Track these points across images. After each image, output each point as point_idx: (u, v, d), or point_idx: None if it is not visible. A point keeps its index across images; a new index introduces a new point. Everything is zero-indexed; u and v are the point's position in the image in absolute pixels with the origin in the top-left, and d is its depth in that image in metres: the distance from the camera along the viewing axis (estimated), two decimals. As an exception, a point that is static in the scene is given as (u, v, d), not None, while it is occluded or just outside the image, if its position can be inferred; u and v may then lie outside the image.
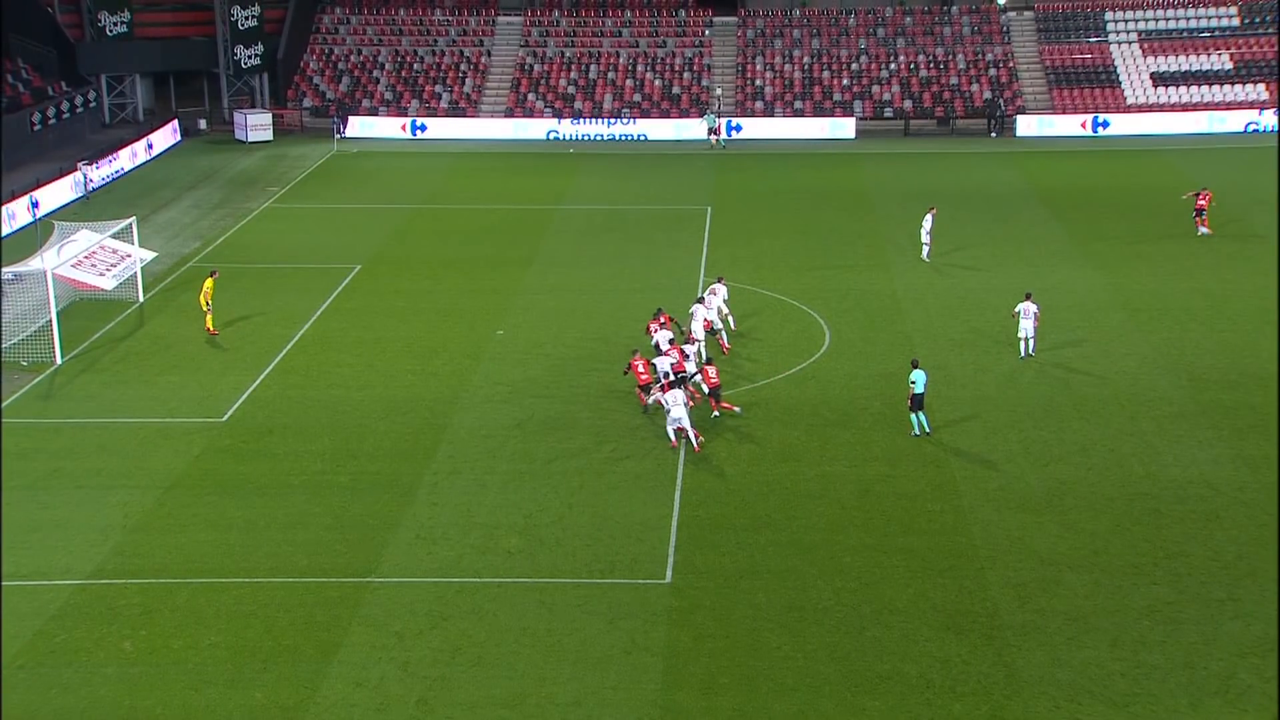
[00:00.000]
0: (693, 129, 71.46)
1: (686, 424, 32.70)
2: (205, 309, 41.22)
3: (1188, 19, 76.93)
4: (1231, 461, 31.97)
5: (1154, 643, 24.58)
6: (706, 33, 78.83)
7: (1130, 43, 76.19)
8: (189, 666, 24.23)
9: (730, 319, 40.18)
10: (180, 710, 23.06)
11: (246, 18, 75.11)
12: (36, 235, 47.83)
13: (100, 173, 61.21)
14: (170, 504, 30.52)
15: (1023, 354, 38.25)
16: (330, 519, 29.70)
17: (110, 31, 74.13)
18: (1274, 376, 36.56)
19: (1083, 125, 71.59)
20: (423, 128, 73.45)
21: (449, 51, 78.58)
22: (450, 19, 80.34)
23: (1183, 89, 73.44)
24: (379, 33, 79.74)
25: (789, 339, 40.60)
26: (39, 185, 56.56)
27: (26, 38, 71.68)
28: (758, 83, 75.76)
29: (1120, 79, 74.41)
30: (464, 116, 74.28)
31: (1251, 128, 70.34)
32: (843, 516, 29.64)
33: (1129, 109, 72.70)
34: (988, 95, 73.81)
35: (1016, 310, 38.33)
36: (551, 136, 72.68)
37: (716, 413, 34.38)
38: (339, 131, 72.27)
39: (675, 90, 75.48)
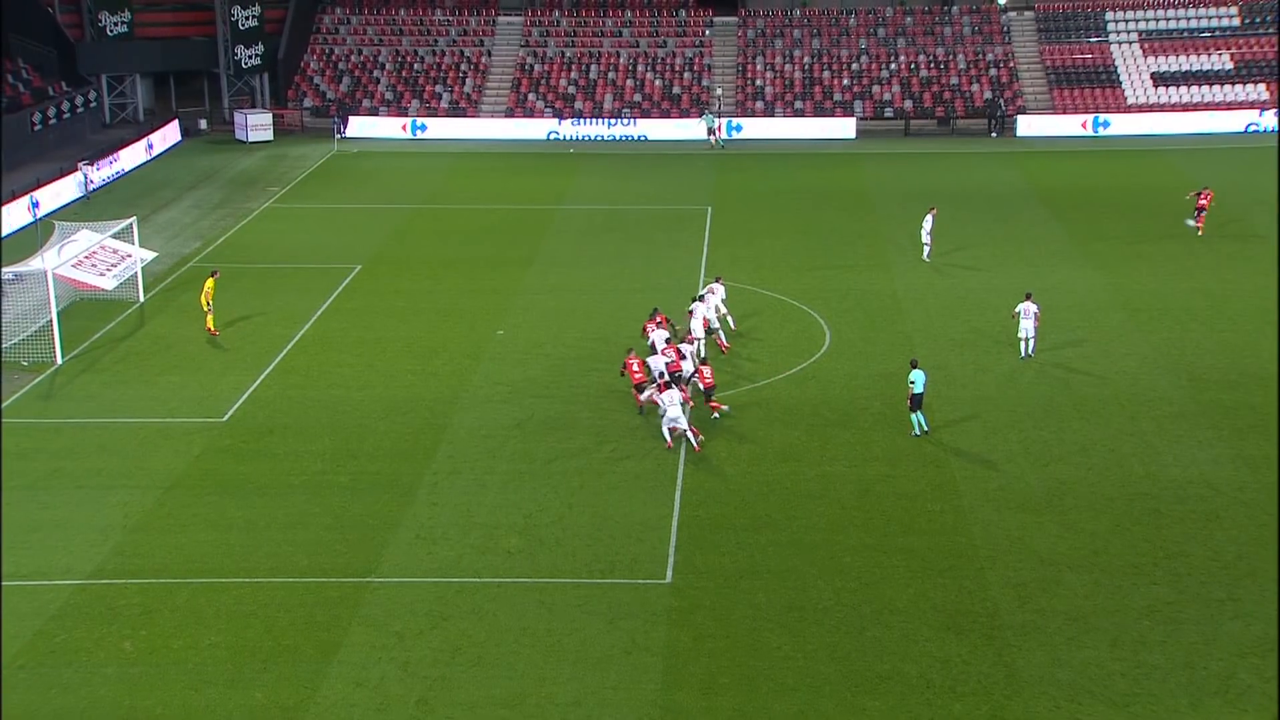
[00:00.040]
0: (693, 129, 71.46)
1: (683, 424, 32.69)
2: (206, 309, 41.21)
3: (1188, 19, 76.92)
4: (1231, 461, 31.97)
5: (1154, 643, 24.58)
6: (707, 33, 78.83)
7: (1131, 43, 76.18)
8: (189, 666, 24.24)
9: (729, 319, 40.19)
10: (180, 710, 23.06)
11: (247, 18, 75.12)
12: (37, 235, 47.84)
13: (101, 173, 61.21)
14: (170, 504, 30.53)
15: (1023, 354, 38.24)
16: (330, 519, 29.71)
17: (110, 31, 74.13)
18: (1274, 376, 36.55)
19: (1083, 125, 71.56)
20: (423, 128, 73.46)
21: (449, 51, 78.58)
22: (450, 19, 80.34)
23: (1183, 89, 73.43)
24: (379, 33, 79.75)
25: (789, 339, 40.60)
26: (39, 185, 56.57)
27: (27, 38, 71.67)
28: (758, 83, 75.75)
29: (1121, 79, 74.40)
30: (464, 116, 74.28)
31: (1251, 128, 70.31)
32: (843, 516, 29.64)
33: (1129, 109, 72.69)
34: (988, 95, 73.81)
35: (1017, 310, 38.33)
36: (552, 137, 72.68)
37: (717, 414, 34.38)
38: (339, 131, 72.27)
39: (676, 90, 75.48)
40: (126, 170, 64.14)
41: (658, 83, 75.91)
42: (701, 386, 34.57)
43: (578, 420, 34.74)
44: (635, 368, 34.96)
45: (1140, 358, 38.67)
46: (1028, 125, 71.78)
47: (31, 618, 25.75)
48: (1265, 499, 30.00)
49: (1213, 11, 76.91)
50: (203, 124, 75.01)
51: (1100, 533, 28.70)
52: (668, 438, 32.78)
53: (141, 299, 44.78)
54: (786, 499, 30.46)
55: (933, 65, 76.10)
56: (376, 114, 74.49)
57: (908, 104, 74.19)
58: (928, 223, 47.85)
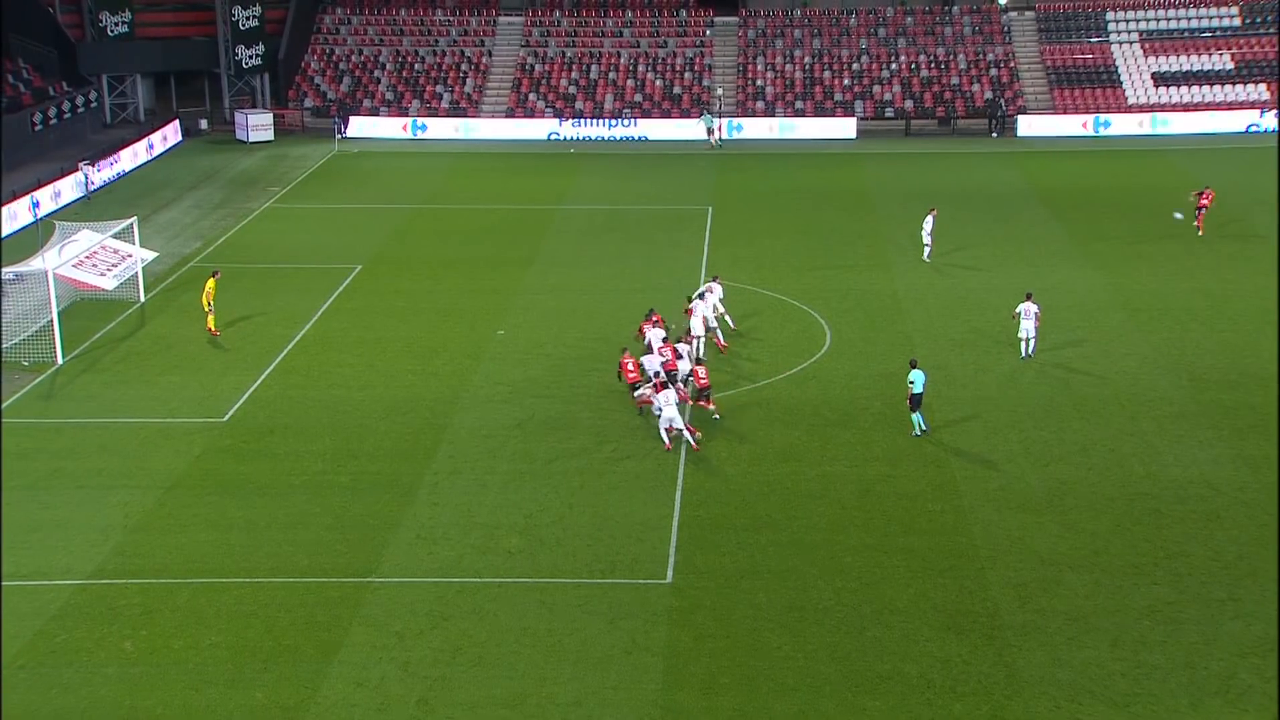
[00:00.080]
0: (694, 129, 71.46)
1: (680, 423, 32.67)
2: (207, 309, 41.22)
3: (1189, 19, 76.91)
4: (1232, 461, 31.97)
5: (1154, 643, 24.58)
6: (707, 33, 78.83)
7: (1131, 43, 76.18)
8: (190, 666, 24.24)
9: (728, 318, 40.19)
10: (181, 710, 23.06)
11: (247, 18, 75.13)
12: (38, 235, 47.84)
13: (103, 175, 61.20)
14: (171, 504, 30.53)
15: (1023, 354, 38.23)
16: (331, 519, 29.71)
17: (111, 31, 74.14)
18: (1274, 377, 36.53)
19: (1084, 125, 71.54)
20: (423, 128, 73.47)
21: (450, 52, 78.59)
22: (451, 19, 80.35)
23: (1184, 89, 73.42)
24: (380, 33, 79.75)
25: (790, 339, 40.60)
26: (40, 185, 56.60)
27: (27, 38, 71.69)
28: (759, 83, 75.75)
29: (1121, 79, 74.39)
30: (465, 116, 74.30)
31: (1252, 129, 70.27)
32: (843, 516, 29.64)
33: (1130, 109, 72.68)
34: (989, 95, 73.80)
35: (1017, 311, 38.30)
36: (552, 137, 72.68)
37: (718, 415, 34.36)
38: (340, 132, 72.29)
39: (676, 90, 75.48)
40: (127, 170, 64.15)
41: (658, 83, 75.91)
42: (697, 386, 34.53)
43: (578, 420, 34.74)
44: (630, 368, 34.96)
45: (1141, 358, 38.67)
46: (1028, 125, 71.77)
47: (32, 618, 25.76)
48: (1266, 499, 30.00)
49: (1213, 11, 76.91)
50: (203, 124, 75.03)
51: (1101, 533, 28.70)
52: (665, 439, 32.75)
53: (142, 299, 44.80)
54: (787, 499, 30.46)
55: (933, 65, 76.10)
56: (377, 114, 74.49)
57: (908, 104, 74.19)
58: (928, 223, 47.84)
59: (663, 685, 23.54)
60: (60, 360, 39.18)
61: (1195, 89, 73.30)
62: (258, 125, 71.94)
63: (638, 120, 72.99)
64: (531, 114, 74.34)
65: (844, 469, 31.90)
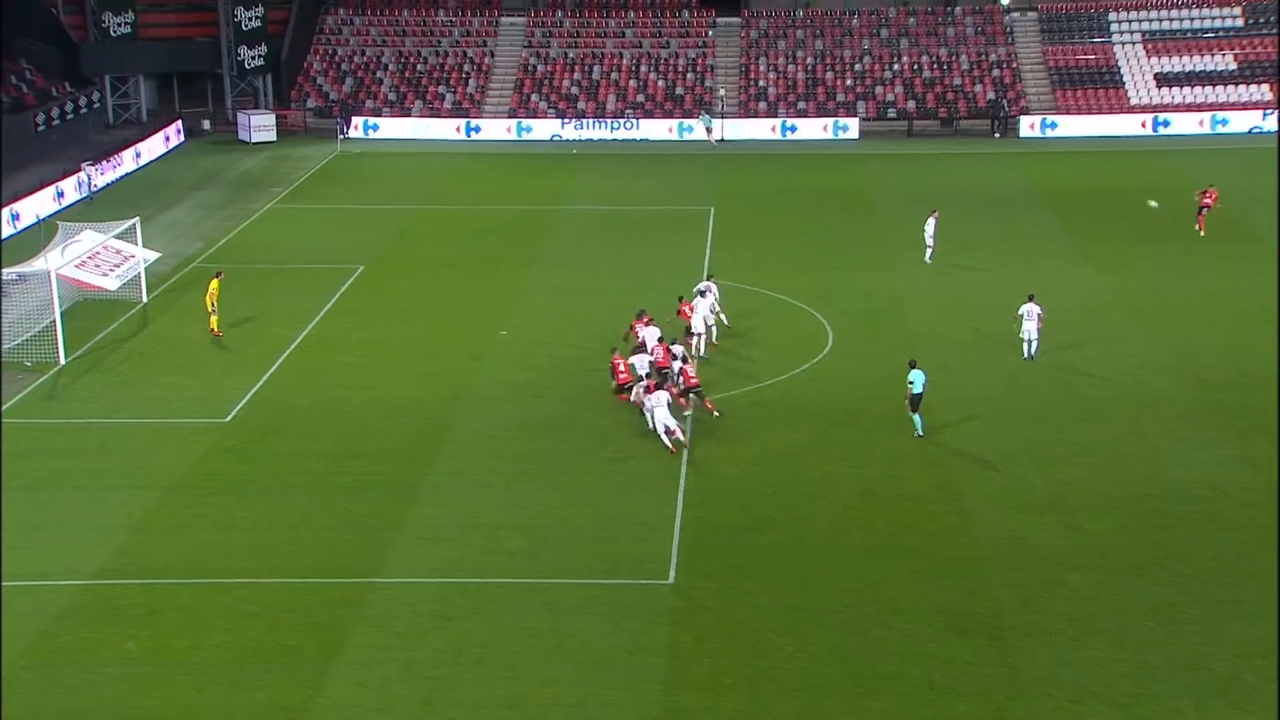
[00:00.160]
0: (696, 129, 71.45)
1: (672, 423, 32.63)
2: (210, 310, 41.22)
3: (1192, 19, 76.88)
4: (1235, 462, 31.93)
5: (1158, 643, 24.55)
6: (710, 33, 78.83)
7: (1134, 43, 76.15)
8: (192, 667, 24.22)
9: (723, 316, 40.16)
10: (183, 710, 23.05)
11: (250, 18, 75.17)
12: (40, 236, 47.86)
13: (105, 177, 61.20)
14: (174, 504, 30.53)
15: (1025, 355, 38.19)
16: (333, 519, 29.71)
17: (114, 32, 74.16)
18: (1275, 377, 36.47)
19: (1086, 126, 71.49)
20: (426, 128, 73.46)
21: (452, 52, 78.61)
22: (454, 19, 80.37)
23: (1187, 89, 73.38)
24: (382, 33, 79.78)
25: (792, 340, 40.58)
26: (42, 186, 56.63)
27: (30, 38, 71.71)
28: (761, 83, 75.75)
29: (1124, 79, 74.37)
30: (467, 117, 74.29)
31: (1255, 131, 70.14)
32: (846, 517, 29.62)
33: (1133, 109, 72.64)
34: (991, 96, 73.79)
35: (1020, 312, 38.22)
36: (554, 138, 72.68)
37: (717, 413, 34.32)
38: (342, 132, 72.32)
39: (679, 91, 75.48)
40: (129, 171, 64.18)
41: (660, 83, 75.92)
42: (685, 384, 34.41)
43: (580, 420, 34.73)
44: (621, 368, 34.92)
45: (1143, 358, 38.65)
46: (1030, 126, 71.75)
47: (35, 618, 25.74)
48: (1269, 500, 29.95)
49: (1216, 12, 76.87)
50: (206, 125, 75.05)
51: (1104, 533, 28.67)
52: (667, 442, 32.63)
53: (145, 299, 44.81)
54: (789, 500, 30.44)
55: (936, 66, 76.08)
56: (379, 114, 74.51)
57: (911, 105, 74.18)
58: (930, 225, 47.79)
59: (665, 686, 23.52)
60: (63, 361, 39.19)
61: (1198, 89, 73.25)
62: (260, 126, 71.99)
63: (640, 121, 72.98)
64: (534, 114, 74.35)
65: (846, 470, 31.88)
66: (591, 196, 60.11)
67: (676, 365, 34.97)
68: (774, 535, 28.79)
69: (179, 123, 72.44)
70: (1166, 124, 71.07)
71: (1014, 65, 75.92)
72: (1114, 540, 28.39)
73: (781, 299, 44.40)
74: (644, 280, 46.15)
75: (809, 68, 76.53)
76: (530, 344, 40.51)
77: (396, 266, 49.05)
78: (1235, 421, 34.14)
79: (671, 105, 74.69)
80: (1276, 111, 70.45)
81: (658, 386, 33.32)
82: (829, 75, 75.94)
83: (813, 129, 72.42)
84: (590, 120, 73.21)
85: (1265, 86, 72.56)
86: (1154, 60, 75.02)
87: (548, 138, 72.62)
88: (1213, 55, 74.76)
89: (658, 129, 72.61)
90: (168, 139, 69.96)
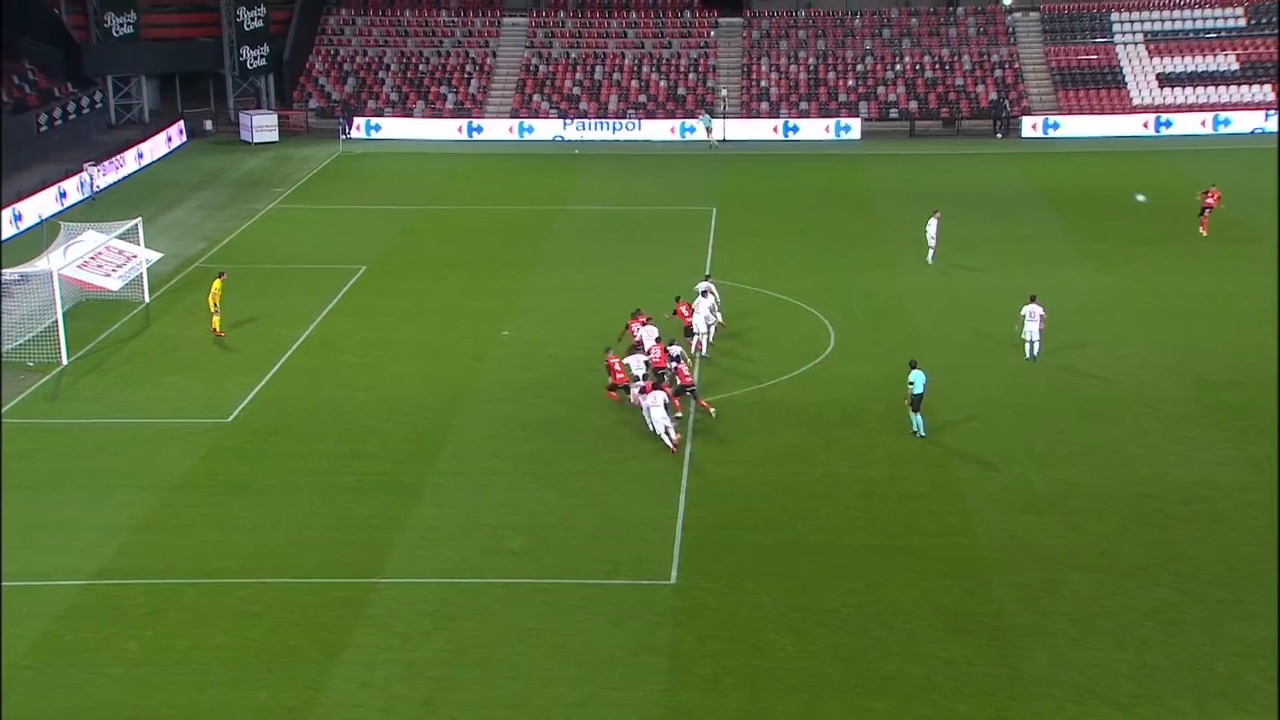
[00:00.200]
0: (697, 130, 71.48)
1: (668, 423, 32.63)
2: (213, 310, 41.25)
3: (1194, 20, 76.82)
4: (1237, 462, 31.93)
5: (1159, 644, 24.56)
6: (712, 34, 78.83)
7: (1136, 43, 76.12)
8: (194, 667, 24.25)
9: (719, 316, 40.10)
10: (185, 710, 23.07)
11: (252, 19, 75.21)
12: (42, 236, 47.90)
13: (107, 177, 61.24)
14: (176, 504, 30.56)
15: (1028, 356, 38.18)
16: (335, 520, 29.73)
17: (116, 33, 74.23)
18: (1276, 378, 36.46)
19: (1088, 126, 71.48)
20: (428, 129, 73.47)
21: (454, 53, 78.64)
22: (455, 20, 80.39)
23: (1189, 90, 73.35)
24: (384, 34, 79.81)
25: (794, 340, 40.59)
26: (45, 186, 56.68)
27: (33, 39, 71.77)
28: (763, 84, 75.76)
29: (1126, 80, 74.34)
30: (469, 117, 74.32)
31: (1257, 131, 70.07)
32: (847, 517, 29.64)
33: (1135, 110, 72.62)
34: (993, 96, 73.77)
35: (1022, 313, 38.19)
36: (556, 138, 72.70)
37: (714, 412, 34.28)
38: (344, 132, 72.35)
39: (680, 91, 75.48)
40: (132, 171, 64.23)
41: (662, 84, 75.92)
42: (680, 383, 34.40)
43: (582, 421, 34.75)
44: (617, 368, 34.93)
45: (1144, 359, 38.65)
46: (1032, 126, 71.76)
47: (37, 618, 25.77)
48: (1270, 500, 29.94)
49: (1218, 12, 76.81)
50: (208, 125, 75.10)
51: (1105, 534, 28.68)
52: (668, 442, 32.65)
53: (147, 300, 44.84)
54: (791, 500, 30.46)
55: (938, 66, 76.07)
56: (381, 115, 74.53)
57: (913, 105, 74.18)
58: (932, 225, 47.78)
59: (666, 686, 23.54)
60: (65, 361, 39.23)
61: (1200, 90, 73.22)
62: (262, 126, 72.01)
63: (642, 121, 72.99)
64: (536, 115, 74.37)
65: (848, 470, 31.89)
66: (593, 197, 60.13)
67: (673, 366, 34.96)
68: (775, 535, 28.81)
69: (181, 123, 72.46)
70: (1169, 124, 71.06)
71: (1016, 65, 75.90)
72: (1115, 540, 28.40)
73: (783, 299, 44.42)
74: (646, 281, 46.13)
75: (811, 68, 76.53)
76: (532, 344, 40.54)
77: (398, 267, 49.08)
78: (1236, 422, 34.14)
79: (674, 105, 74.68)
80: (1277, 112, 70.38)
81: (655, 386, 33.32)
82: (831, 75, 75.94)
83: (815, 129, 72.42)
84: (592, 121, 73.21)
85: (1268, 87, 72.48)
86: (1156, 60, 74.99)
87: (550, 138, 72.62)
88: (1215, 55, 74.72)
89: (660, 129, 72.62)
90: (170, 139, 70.01)
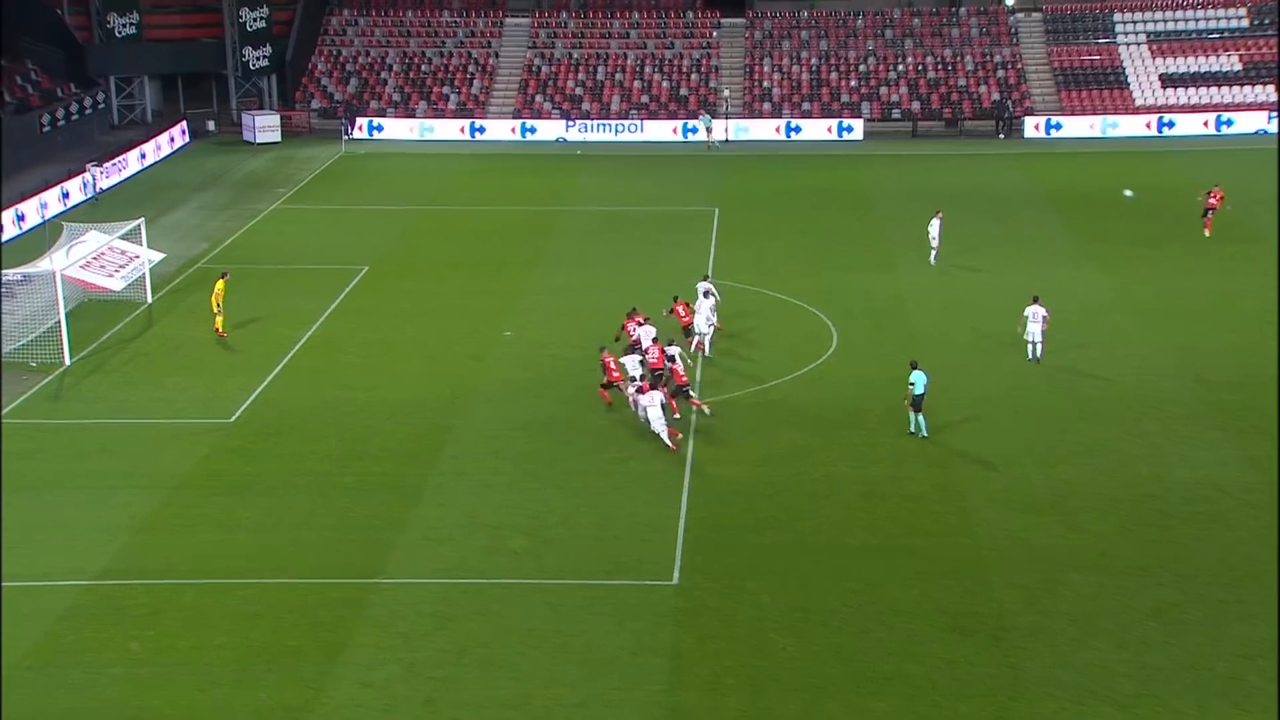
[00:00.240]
0: (700, 130, 71.47)
1: (662, 424, 32.62)
2: (216, 310, 41.28)
3: (1197, 20, 76.80)
4: (1238, 463, 31.92)
5: (1160, 644, 24.56)
6: (714, 34, 78.85)
7: (1139, 44, 76.09)
8: (196, 667, 24.28)
9: (715, 316, 40.11)
10: (187, 711, 23.10)
11: (255, 19, 75.27)
12: (45, 236, 47.96)
13: (110, 178, 61.28)
14: (177, 504, 30.60)
15: (1030, 357, 38.16)
16: (336, 520, 29.76)
17: (119, 33, 74.31)
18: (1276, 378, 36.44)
19: (1091, 127, 71.49)
20: (430, 129, 73.56)
21: (457, 53, 78.68)
22: (458, 20, 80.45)
23: (1192, 90, 73.32)
24: (387, 34, 79.86)
25: (796, 341, 40.60)
26: (47, 186, 56.75)
27: (36, 39, 71.84)
28: (765, 84, 75.77)
29: (1129, 80, 74.31)
30: (471, 118, 74.36)
31: (1260, 132, 70.00)
32: (848, 518, 29.65)
33: (1137, 110, 72.59)
34: (996, 96, 73.76)
35: (1025, 314, 38.17)
36: (559, 140, 72.71)
37: (709, 410, 34.26)
38: (347, 133, 72.40)
39: (683, 92, 75.50)
40: (134, 172, 64.29)
41: (665, 84, 75.94)
42: (676, 383, 34.37)
43: (583, 421, 34.77)
44: (613, 367, 34.94)
45: (1146, 359, 38.64)
46: (1035, 126, 71.73)
47: (39, 618, 25.81)
48: (1271, 500, 29.93)
49: (1221, 13, 76.78)
50: (211, 125, 75.17)
51: (1106, 534, 28.68)
52: (667, 440, 32.67)
53: (149, 300, 44.89)
54: (792, 500, 30.47)
55: (940, 67, 76.07)
56: (384, 115, 74.58)
57: (915, 105, 74.17)
58: (934, 226, 47.78)
59: (668, 686, 23.55)
60: (68, 361, 39.27)
61: (1203, 90, 73.18)
62: (265, 127, 72.07)
63: (644, 121, 72.99)
64: (538, 115, 74.40)
65: (849, 470, 31.91)
66: (595, 197, 60.16)
67: (669, 366, 34.93)
68: (776, 536, 28.82)
69: (184, 123, 72.56)
70: (1171, 125, 71.03)
71: (1019, 66, 75.89)
72: (1116, 541, 28.40)
73: (785, 300, 44.43)
74: (647, 281, 46.13)
75: (813, 68, 76.54)
76: (533, 344, 40.57)
77: (400, 267, 49.12)
78: (1237, 422, 34.13)
79: (676, 106, 74.70)
80: (1277, 113, 70.29)
81: (651, 387, 33.34)
82: (833, 76, 75.94)
83: (817, 130, 72.43)
84: (594, 121, 73.21)
85: (1270, 87, 72.41)
86: (1159, 61, 74.96)
87: (552, 139, 72.63)
88: (1218, 56, 74.68)
89: (662, 130, 72.62)
90: (172, 140, 70.09)
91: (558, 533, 29.04)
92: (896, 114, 73.97)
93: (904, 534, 28.84)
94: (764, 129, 72.53)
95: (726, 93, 74.21)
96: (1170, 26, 76.70)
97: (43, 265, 41.65)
